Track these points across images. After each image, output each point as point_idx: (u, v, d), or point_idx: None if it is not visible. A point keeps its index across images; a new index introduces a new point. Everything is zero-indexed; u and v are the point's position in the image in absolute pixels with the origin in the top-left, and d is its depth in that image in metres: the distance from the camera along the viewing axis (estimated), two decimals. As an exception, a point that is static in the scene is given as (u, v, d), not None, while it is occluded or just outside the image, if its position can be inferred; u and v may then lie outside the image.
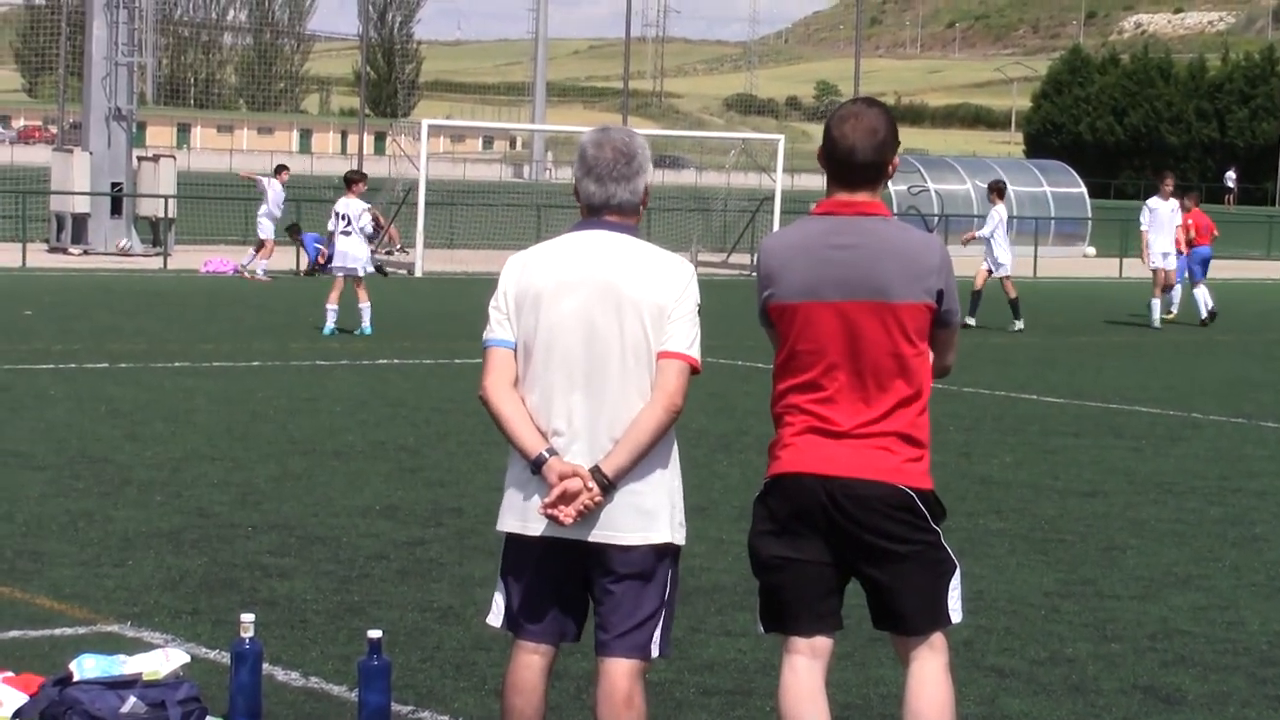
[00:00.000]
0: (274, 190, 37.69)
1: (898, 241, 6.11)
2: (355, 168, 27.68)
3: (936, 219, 52.41)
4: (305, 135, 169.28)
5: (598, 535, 6.04)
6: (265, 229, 37.14)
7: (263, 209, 37.46)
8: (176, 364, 20.47)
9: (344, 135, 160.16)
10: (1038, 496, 13.58)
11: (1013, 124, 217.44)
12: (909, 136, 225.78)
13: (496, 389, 6.08)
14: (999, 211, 30.04)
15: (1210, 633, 9.57)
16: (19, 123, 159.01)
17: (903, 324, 6.05)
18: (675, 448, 6.23)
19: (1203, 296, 31.82)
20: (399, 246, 44.46)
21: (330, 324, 24.46)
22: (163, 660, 7.18)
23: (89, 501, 12.11)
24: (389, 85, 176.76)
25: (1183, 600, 10.29)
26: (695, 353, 6.12)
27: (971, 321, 28.72)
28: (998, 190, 30.26)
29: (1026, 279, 44.54)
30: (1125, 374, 23.25)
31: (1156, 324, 30.37)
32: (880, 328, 6.04)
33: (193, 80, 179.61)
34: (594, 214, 6.17)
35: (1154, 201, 31.24)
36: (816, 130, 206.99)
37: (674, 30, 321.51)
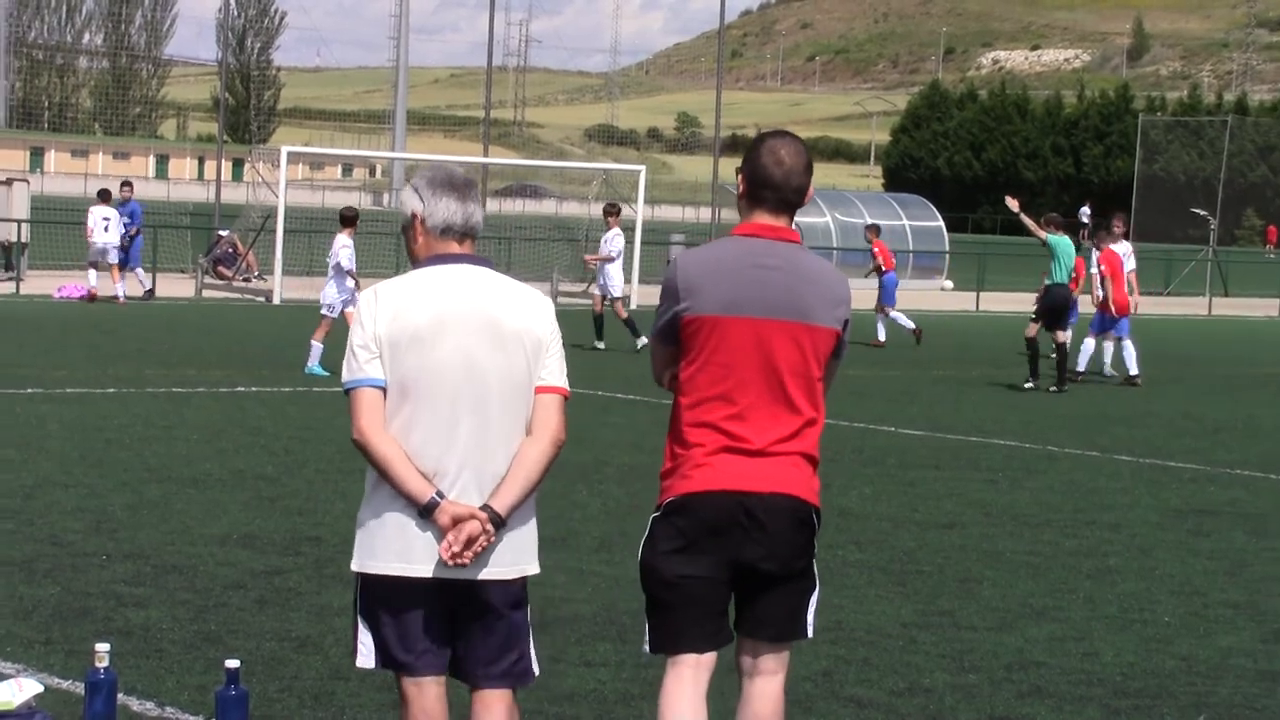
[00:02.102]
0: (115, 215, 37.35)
1: (816, 269, 6.33)
2: (350, 205, 27.39)
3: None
4: (162, 160, 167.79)
5: (486, 574, 6.01)
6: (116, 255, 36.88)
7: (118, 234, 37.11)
8: (29, 390, 20.19)
9: (201, 161, 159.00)
10: (896, 528, 13.67)
11: (872, 158, 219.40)
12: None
13: (375, 431, 5.94)
14: (617, 235, 30.11)
15: (1065, 664, 9.66)
16: None
17: (816, 346, 6.24)
18: None
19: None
20: (256, 273, 44.18)
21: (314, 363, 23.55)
22: (15, 691, 7.06)
23: (-61, 530, 11.92)
24: (248, 111, 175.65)
25: (1038, 631, 10.38)
26: (567, 384, 6.17)
27: (600, 345, 29.03)
28: (613, 213, 30.38)
29: (884, 312, 44.86)
30: (983, 407, 23.46)
31: (1110, 371, 28.86)
32: (795, 348, 6.20)
33: (47, 103, 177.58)
34: (450, 241, 6.11)
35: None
36: (677, 161, 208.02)
37: (536, 60, 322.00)
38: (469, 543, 5.91)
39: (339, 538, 12.01)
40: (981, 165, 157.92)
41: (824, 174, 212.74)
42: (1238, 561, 12.95)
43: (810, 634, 6.43)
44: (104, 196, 37.49)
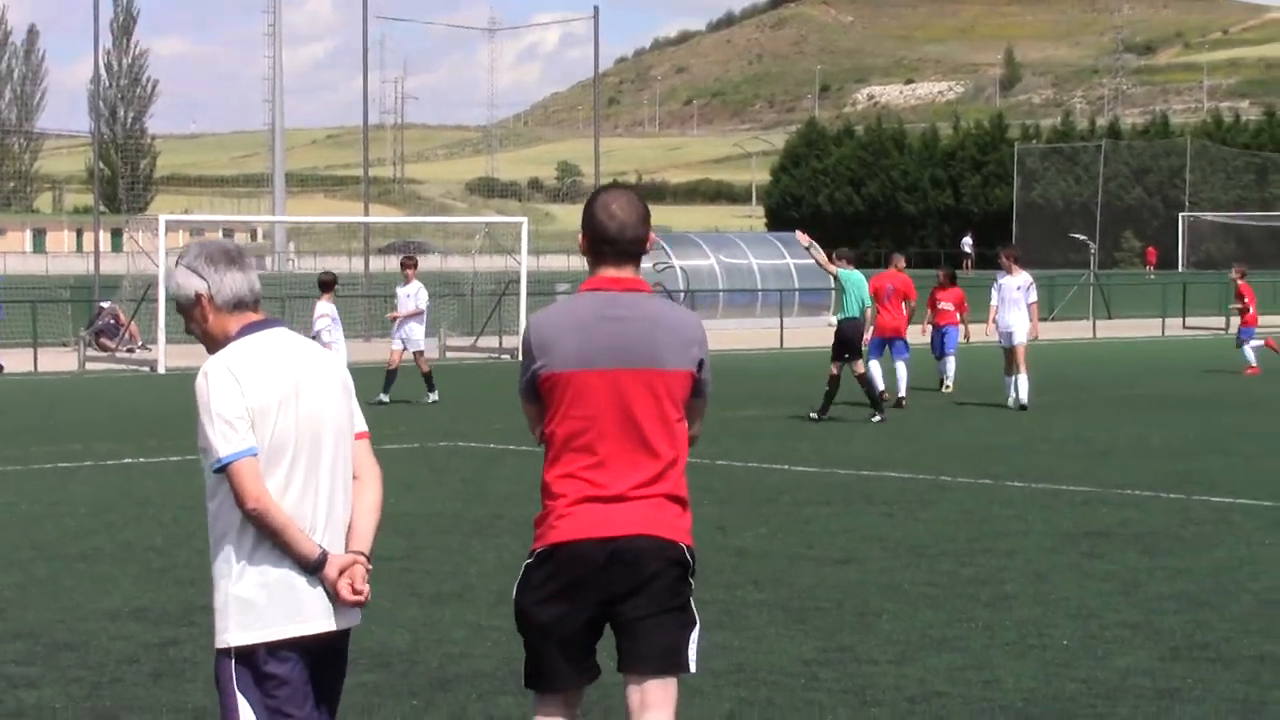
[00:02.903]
0: None
1: (665, 314, 6.54)
2: (326, 270, 27.17)
3: (683, 294, 52.84)
4: (39, 235, 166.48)
5: (345, 621, 6.11)
6: None
7: None
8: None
9: (80, 233, 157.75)
10: (794, 566, 13.66)
11: (754, 198, 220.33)
12: (654, 213, 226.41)
13: (268, 497, 5.93)
14: (420, 288, 30.21)
15: (967, 693, 9.67)
16: None
17: (671, 390, 6.44)
18: None
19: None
20: (140, 344, 43.82)
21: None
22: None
23: None
24: (124, 180, 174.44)
25: (939, 661, 10.39)
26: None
27: (385, 399, 28.72)
28: (411, 265, 30.58)
29: (772, 349, 45.09)
30: (873, 442, 23.53)
31: (1012, 403, 28.37)
32: (649, 394, 6.41)
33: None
34: (247, 312, 6.13)
35: (1002, 278, 29.98)
36: (560, 211, 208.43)
37: (413, 116, 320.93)
38: (358, 583, 6.04)
39: (233, 606, 11.90)
40: (862, 200, 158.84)
41: (706, 216, 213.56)
42: (1131, 581, 13.02)
43: (693, 668, 6.53)
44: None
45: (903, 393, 28.50)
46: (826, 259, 26.75)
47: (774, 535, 15.22)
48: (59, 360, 39.95)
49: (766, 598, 12.37)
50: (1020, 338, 28.76)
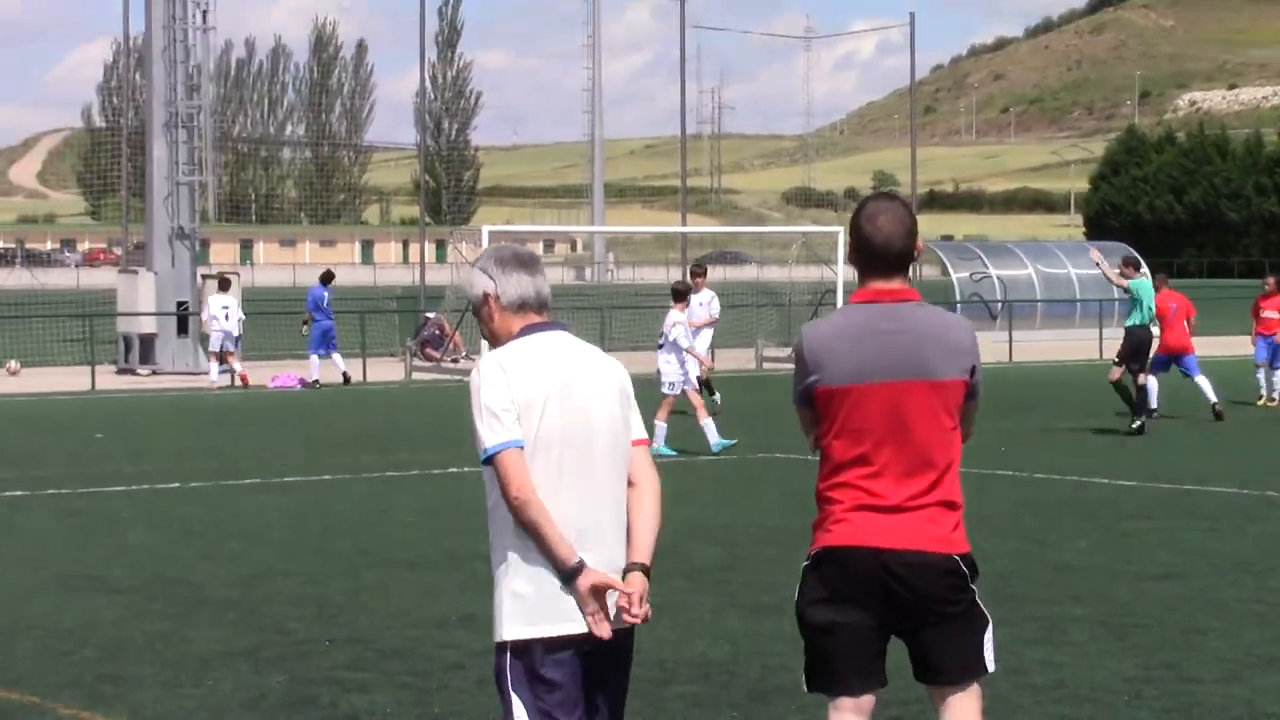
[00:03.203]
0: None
1: (936, 324, 6.56)
2: (680, 278, 27.35)
3: (1000, 304, 52.34)
4: (367, 246, 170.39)
5: (618, 623, 6.13)
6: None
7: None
8: (248, 480, 20.55)
9: (405, 244, 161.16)
10: (1114, 581, 13.49)
11: (1072, 206, 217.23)
12: (968, 223, 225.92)
13: (532, 489, 6.03)
14: (708, 298, 30.04)
15: (1296, 714, 9.46)
16: (84, 245, 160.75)
17: (945, 399, 6.48)
18: None
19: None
20: (464, 354, 44.63)
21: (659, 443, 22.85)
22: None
23: (166, 623, 12.15)
24: (449, 192, 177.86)
25: (1267, 682, 10.18)
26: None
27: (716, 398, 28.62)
28: (701, 274, 30.16)
29: (1093, 361, 44.45)
30: (1198, 455, 23.10)
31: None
32: (925, 405, 6.44)
33: (253, 196, 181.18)
34: (529, 314, 6.29)
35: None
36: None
37: (730, 126, 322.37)
38: (641, 600, 6.05)
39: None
40: (1183, 208, 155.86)
41: (1024, 226, 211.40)
42: None
43: (992, 668, 6.56)
44: (224, 285, 38.51)
45: (1214, 398, 27.84)
46: (1116, 274, 26.49)
47: (1094, 549, 15.04)
48: (387, 370, 40.87)
49: (1087, 613, 12.22)
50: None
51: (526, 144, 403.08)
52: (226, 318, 37.00)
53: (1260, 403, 30.54)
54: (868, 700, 6.54)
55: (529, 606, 6.07)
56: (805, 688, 6.67)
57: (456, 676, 10.47)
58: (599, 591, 5.99)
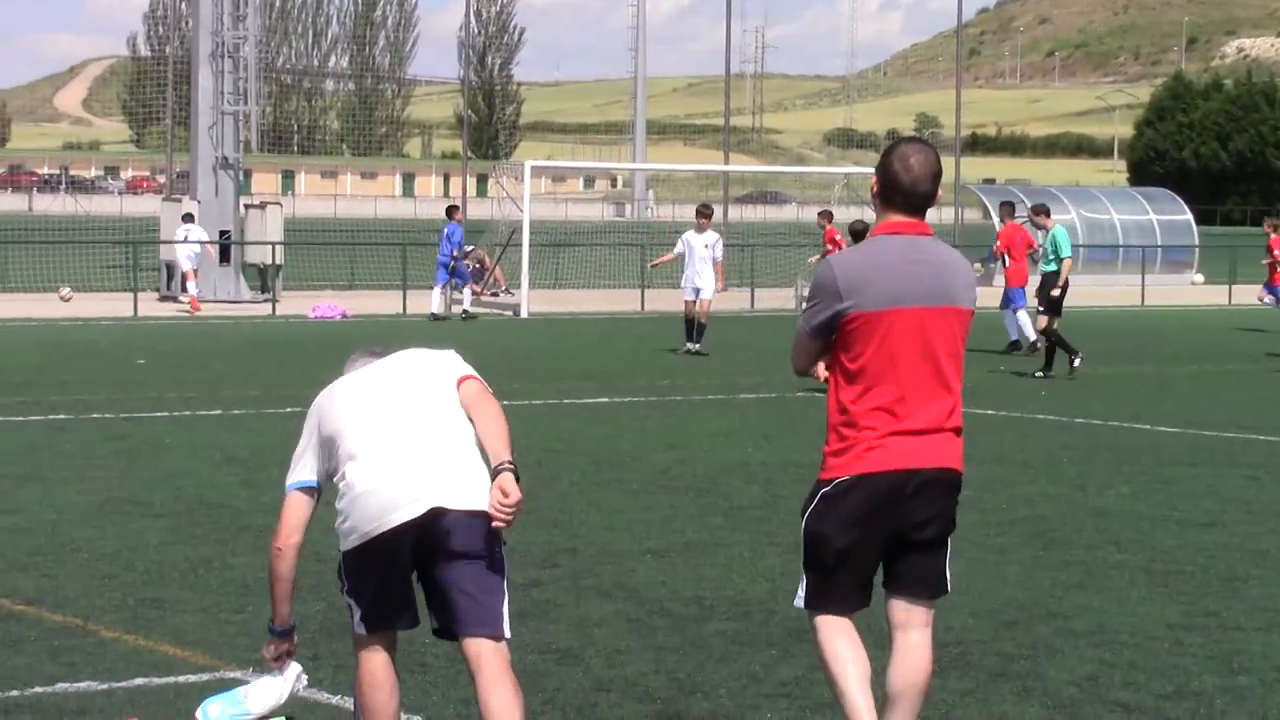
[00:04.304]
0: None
1: (952, 257, 7.09)
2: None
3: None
4: (408, 179, 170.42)
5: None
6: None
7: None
8: (289, 409, 20.56)
9: (446, 178, 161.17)
10: (1155, 528, 13.45)
11: (1115, 152, 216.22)
12: (1011, 167, 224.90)
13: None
14: (713, 240, 30.20)
15: (1338, 664, 9.43)
16: (127, 173, 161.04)
17: (963, 326, 7.01)
18: None
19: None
20: (504, 288, 44.65)
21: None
22: (281, 684, 7.31)
23: (207, 548, 12.21)
24: (490, 127, 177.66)
25: (1308, 631, 10.15)
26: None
27: (694, 347, 29.11)
28: (707, 214, 30.38)
29: (1134, 307, 44.33)
30: (1240, 403, 23.01)
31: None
32: (948, 330, 6.94)
33: (296, 127, 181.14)
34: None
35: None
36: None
37: (772, 66, 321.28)
38: (506, 495, 6.78)
39: (595, 549, 12.14)
40: (1229, 156, 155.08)
41: (1067, 170, 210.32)
42: None
43: (949, 588, 7.10)
44: (187, 219, 40.39)
45: (1019, 336, 29.26)
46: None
47: (1135, 495, 15.00)
48: (427, 303, 40.87)
49: (1127, 559, 12.20)
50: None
51: (569, 80, 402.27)
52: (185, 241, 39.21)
53: None
54: (858, 613, 7.04)
55: None
56: (800, 604, 7.04)
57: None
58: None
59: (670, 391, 23.42)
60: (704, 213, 30.28)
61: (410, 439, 6.75)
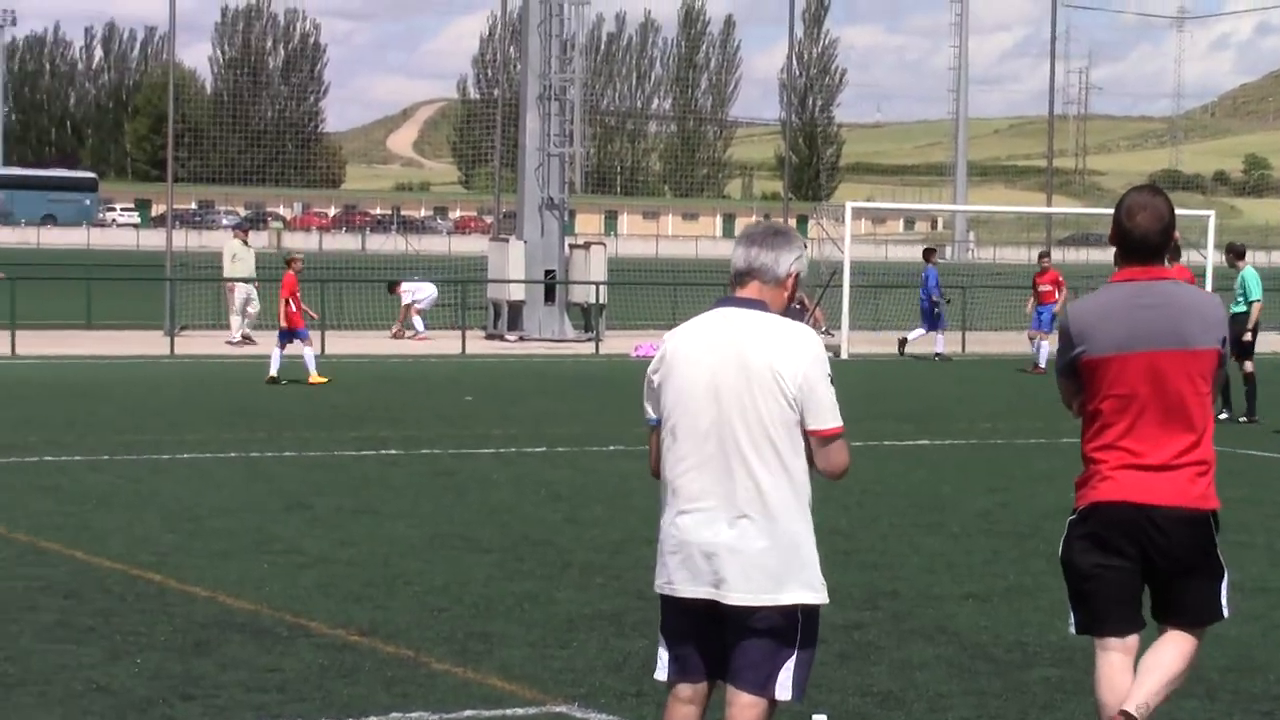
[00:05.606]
0: None
1: (1191, 299, 7.33)
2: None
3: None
4: (729, 220, 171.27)
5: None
6: None
7: None
8: (612, 447, 20.86)
9: (767, 219, 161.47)
10: None
11: None
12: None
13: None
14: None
15: None
16: (455, 214, 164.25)
17: (1201, 368, 7.21)
18: None
19: None
20: (825, 329, 44.69)
21: None
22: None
23: (533, 583, 12.45)
24: (810, 169, 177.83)
25: None
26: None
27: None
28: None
29: None
30: None
31: None
32: (1182, 372, 7.19)
33: (619, 168, 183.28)
34: (736, 284, 7.08)
35: None
36: (1247, 205, 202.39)
37: (1096, 107, 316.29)
38: None
39: (915, 592, 12.14)
40: None
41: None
42: None
43: (1227, 614, 7.43)
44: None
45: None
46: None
47: None
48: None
49: None
50: None
51: (890, 122, 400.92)
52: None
53: None
54: (1133, 640, 7.31)
55: None
56: (1073, 631, 7.44)
57: (819, 649, 10.50)
58: None
59: (992, 435, 23.26)
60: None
61: None
